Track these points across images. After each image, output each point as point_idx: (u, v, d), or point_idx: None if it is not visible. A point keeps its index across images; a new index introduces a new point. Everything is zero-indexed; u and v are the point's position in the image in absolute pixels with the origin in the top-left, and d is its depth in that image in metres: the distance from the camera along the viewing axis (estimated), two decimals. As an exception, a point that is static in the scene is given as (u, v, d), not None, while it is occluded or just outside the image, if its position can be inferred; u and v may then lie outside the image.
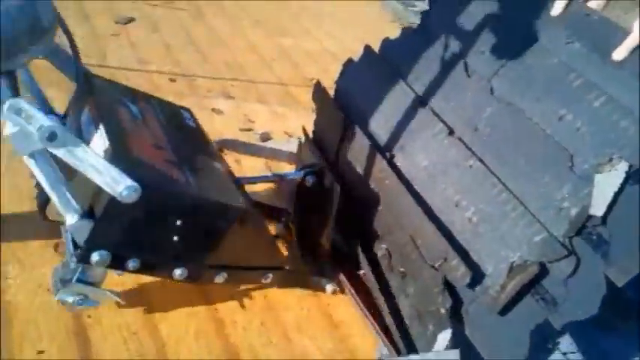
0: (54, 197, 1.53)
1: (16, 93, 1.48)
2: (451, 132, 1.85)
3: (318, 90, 2.31)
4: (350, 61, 2.31)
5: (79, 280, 1.61)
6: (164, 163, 1.65)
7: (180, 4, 4.12)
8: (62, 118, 1.70)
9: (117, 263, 1.58)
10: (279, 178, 2.24)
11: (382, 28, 3.01)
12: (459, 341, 1.67)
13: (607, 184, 1.46)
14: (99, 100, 1.73)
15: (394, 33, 2.26)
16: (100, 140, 1.58)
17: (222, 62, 3.48)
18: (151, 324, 1.75)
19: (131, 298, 1.80)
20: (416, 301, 1.80)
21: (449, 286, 1.68)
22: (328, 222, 1.98)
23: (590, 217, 1.49)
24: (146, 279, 1.85)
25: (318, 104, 2.35)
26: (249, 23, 4.15)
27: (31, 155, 1.48)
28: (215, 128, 2.72)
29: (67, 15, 1.59)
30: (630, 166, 1.45)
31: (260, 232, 1.85)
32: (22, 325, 1.64)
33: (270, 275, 1.91)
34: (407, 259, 1.82)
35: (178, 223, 1.59)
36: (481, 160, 1.75)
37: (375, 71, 2.21)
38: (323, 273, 2.06)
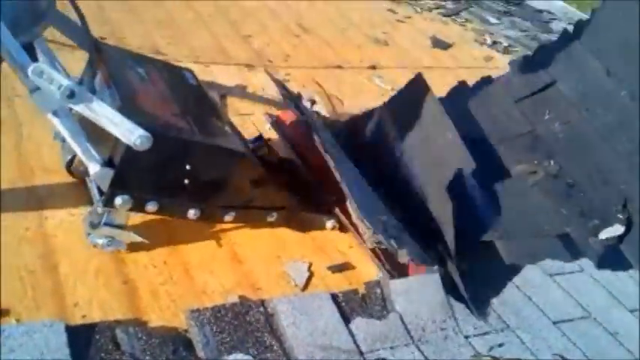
0: (77, 149, 1.75)
1: (35, 60, 1.69)
2: None
3: None
4: None
5: (106, 224, 1.81)
6: (170, 116, 1.88)
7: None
8: (79, 83, 1.85)
9: (138, 205, 1.80)
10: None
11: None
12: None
13: None
14: (109, 64, 1.93)
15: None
16: (113, 99, 1.79)
17: (155, 21, 3.48)
18: (49, 263, 1.79)
19: (35, 240, 1.85)
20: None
21: None
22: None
23: None
24: (50, 222, 1.90)
25: None
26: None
27: (54, 113, 1.70)
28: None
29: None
30: None
31: (261, 175, 2.01)
32: None
33: (275, 214, 2.08)
34: None
35: (187, 167, 1.81)
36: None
37: None
38: (321, 211, 2.22)
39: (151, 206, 1.82)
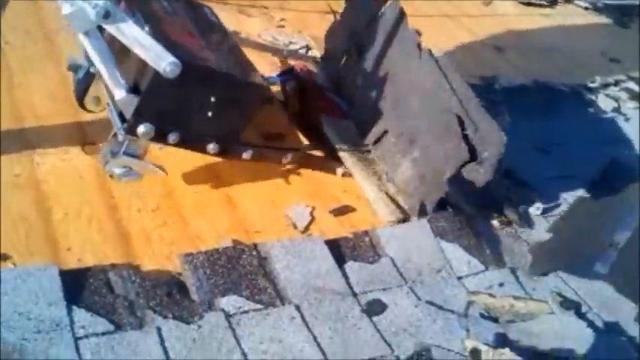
0: (104, 73, 1.72)
1: None
2: None
3: None
4: None
5: (125, 153, 1.79)
6: (197, 47, 1.86)
7: None
8: None
9: (160, 136, 1.78)
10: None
11: None
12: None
13: None
14: None
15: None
16: (139, 25, 1.71)
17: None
18: (42, 209, 1.79)
19: (27, 186, 1.84)
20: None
21: None
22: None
23: None
24: (41, 168, 1.89)
25: None
26: None
27: (86, 33, 1.67)
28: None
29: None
30: None
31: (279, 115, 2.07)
32: None
33: (290, 155, 2.12)
34: None
35: (212, 99, 1.80)
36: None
37: None
38: (334, 157, 2.25)
39: (173, 137, 1.81)
